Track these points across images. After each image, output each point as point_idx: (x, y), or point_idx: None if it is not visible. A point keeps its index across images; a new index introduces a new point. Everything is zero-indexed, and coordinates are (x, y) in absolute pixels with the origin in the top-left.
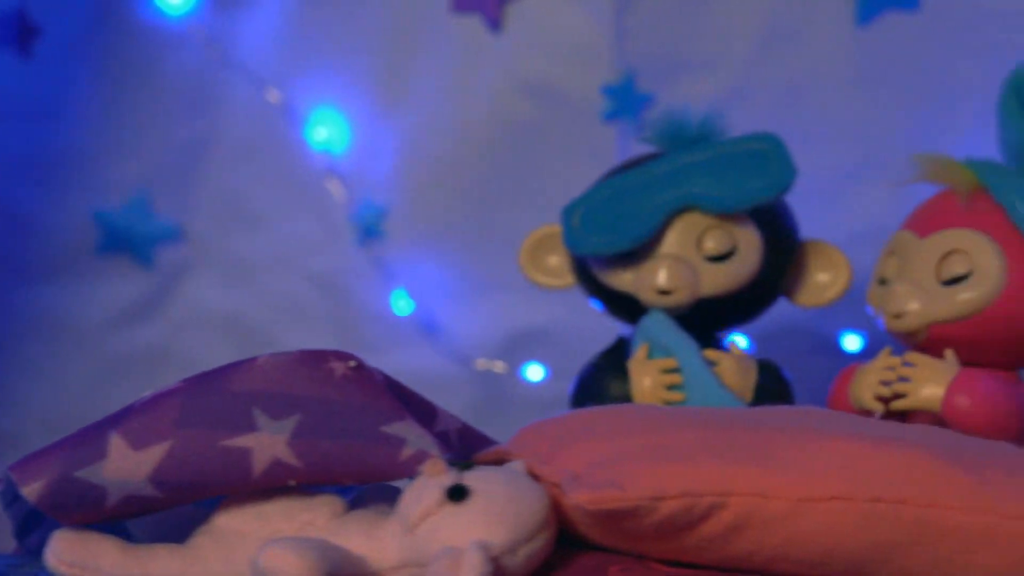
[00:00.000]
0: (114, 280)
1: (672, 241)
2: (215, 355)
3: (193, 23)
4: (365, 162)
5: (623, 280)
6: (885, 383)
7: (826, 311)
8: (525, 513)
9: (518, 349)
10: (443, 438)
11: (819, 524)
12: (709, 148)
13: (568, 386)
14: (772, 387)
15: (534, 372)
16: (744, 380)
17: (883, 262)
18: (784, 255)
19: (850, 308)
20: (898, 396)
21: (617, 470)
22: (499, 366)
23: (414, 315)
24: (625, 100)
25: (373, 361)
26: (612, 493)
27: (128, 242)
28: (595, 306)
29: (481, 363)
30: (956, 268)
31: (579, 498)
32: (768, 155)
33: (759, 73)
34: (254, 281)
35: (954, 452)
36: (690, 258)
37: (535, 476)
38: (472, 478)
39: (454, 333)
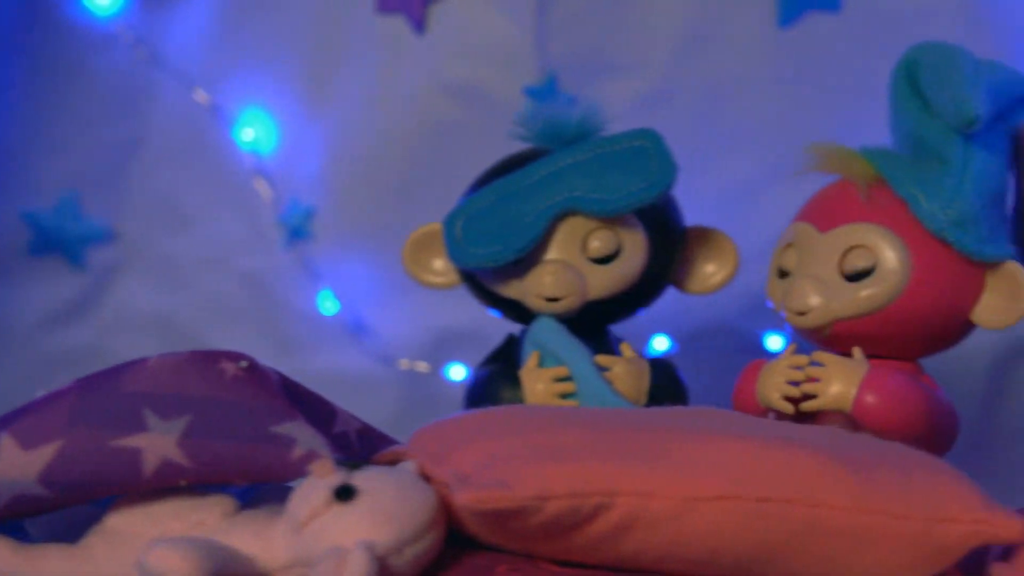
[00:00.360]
0: (46, 281)
1: (557, 246)
2: (146, 355)
3: (121, 23)
4: (293, 163)
5: (510, 288)
6: (794, 383)
7: (750, 311)
8: (412, 513)
9: (442, 349)
10: (342, 439)
11: (706, 523)
12: (588, 148)
13: None
14: (666, 388)
15: (457, 372)
16: (637, 384)
17: (781, 254)
18: (670, 248)
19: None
20: (807, 396)
21: (504, 470)
22: (422, 366)
23: (340, 315)
24: (548, 101)
25: (300, 361)
26: (498, 493)
27: (60, 243)
28: (491, 312)
29: (404, 363)
30: (859, 263)
31: (465, 498)
32: (648, 152)
33: (682, 74)
34: (184, 281)
35: (844, 452)
36: (575, 262)
37: (427, 476)
38: (360, 478)
39: (380, 333)
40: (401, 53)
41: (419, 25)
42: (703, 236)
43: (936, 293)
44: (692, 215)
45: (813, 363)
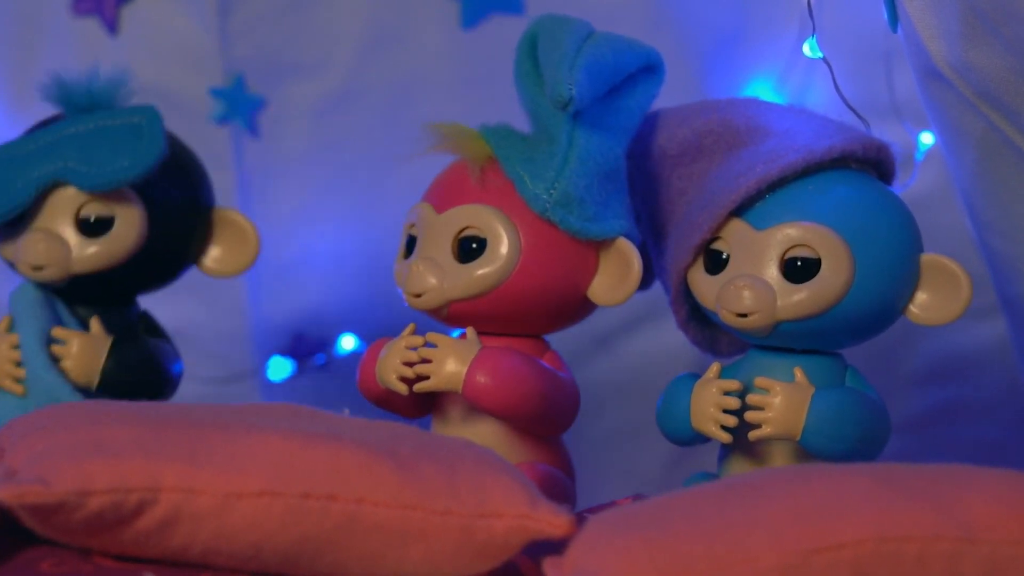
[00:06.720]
0: None
1: (46, 215)
2: None
3: None
4: None
5: (6, 251)
6: (409, 364)
7: None
8: None
9: None
10: None
11: (247, 519)
12: (91, 120)
13: None
14: (123, 368)
15: None
16: (90, 361)
17: (405, 234)
18: (178, 227)
19: None
20: (422, 377)
21: (46, 465)
22: None
23: None
24: (236, 102)
25: None
26: (35, 488)
27: None
28: None
29: None
30: (472, 244)
31: (5, 493)
32: (142, 130)
33: (367, 74)
34: None
35: (388, 448)
36: (63, 233)
37: None
38: None
39: None
40: (96, 54)
41: (112, 26)
42: (226, 220)
43: (547, 272)
44: (382, 212)
45: (428, 344)
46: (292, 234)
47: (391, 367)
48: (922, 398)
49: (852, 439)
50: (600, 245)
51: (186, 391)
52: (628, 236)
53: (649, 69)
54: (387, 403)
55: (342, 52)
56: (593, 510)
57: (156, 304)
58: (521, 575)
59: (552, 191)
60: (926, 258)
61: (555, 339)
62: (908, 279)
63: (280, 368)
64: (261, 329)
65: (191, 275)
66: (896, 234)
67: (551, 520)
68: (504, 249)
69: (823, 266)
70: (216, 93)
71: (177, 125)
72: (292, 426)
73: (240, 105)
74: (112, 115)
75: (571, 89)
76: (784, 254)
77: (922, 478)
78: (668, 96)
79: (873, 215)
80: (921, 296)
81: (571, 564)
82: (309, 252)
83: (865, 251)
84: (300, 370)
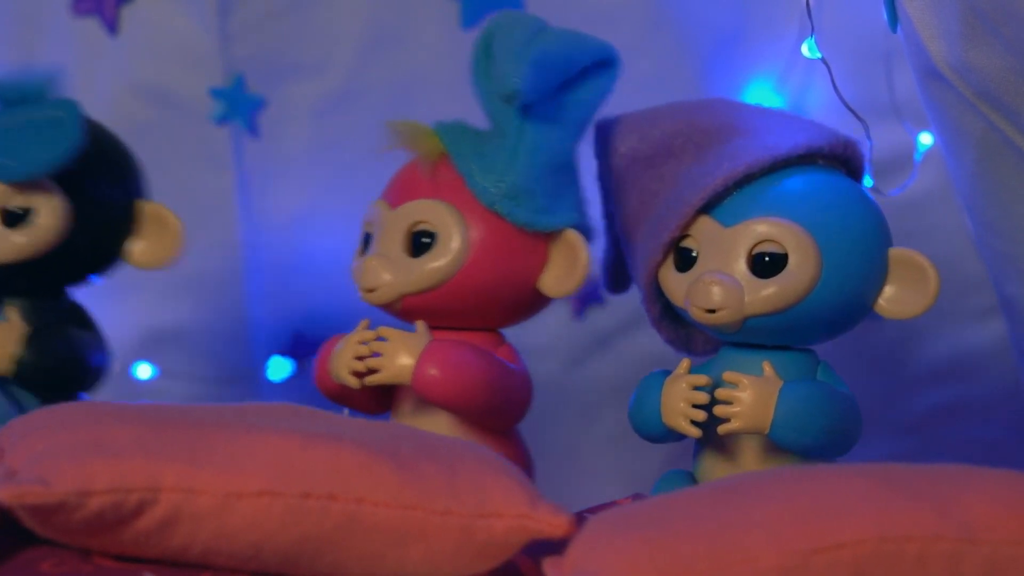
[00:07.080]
0: None
1: None
2: None
3: None
4: None
5: None
6: (361, 358)
7: None
8: None
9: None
10: None
11: (247, 519)
12: (15, 113)
13: None
14: (37, 356)
15: (144, 371)
16: (2, 349)
17: (361, 232)
18: (102, 219)
19: None
20: (373, 371)
21: (46, 465)
22: None
23: None
24: (235, 102)
25: None
26: (35, 488)
27: None
28: None
29: None
30: (423, 238)
31: (5, 494)
32: (61, 123)
33: (368, 74)
34: None
35: (388, 448)
36: None
37: None
38: None
39: None
40: (96, 54)
41: (112, 27)
42: (151, 213)
43: (497, 265)
44: None
45: (380, 338)
46: (292, 234)
47: (343, 362)
48: (922, 398)
49: (821, 432)
50: (549, 237)
51: (186, 391)
52: (578, 228)
53: (603, 64)
54: (344, 399)
55: (342, 52)
56: (593, 510)
57: (156, 304)
58: (521, 575)
59: (500, 184)
60: (894, 252)
61: (554, 339)
62: (876, 273)
63: (280, 368)
64: (261, 329)
65: (191, 275)
66: (863, 229)
67: (551, 520)
68: (455, 243)
69: (790, 261)
70: (216, 93)
71: (177, 125)
72: (292, 426)
73: (240, 105)
74: (36, 109)
75: (516, 82)
76: (752, 250)
77: (922, 478)
78: (668, 96)
79: (840, 210)
80: (889, 290)
81: (571, 564)
82: (309, 252)
83: (832, 246)
84: (300, 370)
